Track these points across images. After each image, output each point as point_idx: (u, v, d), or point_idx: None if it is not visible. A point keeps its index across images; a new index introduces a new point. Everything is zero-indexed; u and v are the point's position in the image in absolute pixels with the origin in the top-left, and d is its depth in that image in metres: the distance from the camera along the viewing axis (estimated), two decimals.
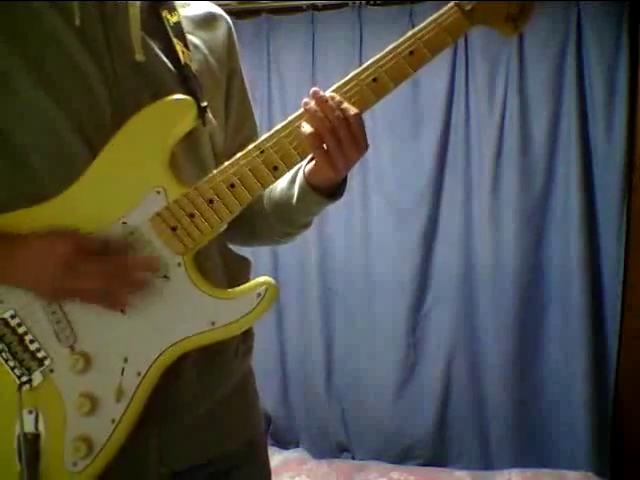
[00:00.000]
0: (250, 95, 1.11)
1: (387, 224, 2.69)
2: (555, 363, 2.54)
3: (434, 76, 2.53)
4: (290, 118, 0.90)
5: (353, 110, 0.87)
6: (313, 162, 0.94)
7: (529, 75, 2.49)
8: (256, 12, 2.74)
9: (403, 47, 0.88)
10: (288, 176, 0.99)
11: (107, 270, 0.83)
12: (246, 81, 1.09)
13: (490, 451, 2.61)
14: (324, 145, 0.88)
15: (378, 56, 0.89)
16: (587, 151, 2.46)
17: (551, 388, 2.55)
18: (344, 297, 2.76)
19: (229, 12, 3.17)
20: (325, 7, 2.68)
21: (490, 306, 2.58)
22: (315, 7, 2.68)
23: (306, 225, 1.06)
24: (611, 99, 2.41)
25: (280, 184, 1.01)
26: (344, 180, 0.97)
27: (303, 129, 0.88)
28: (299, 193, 0.97)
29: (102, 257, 0.84)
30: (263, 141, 0.89)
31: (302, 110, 0.89)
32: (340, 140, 0.87)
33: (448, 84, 2.58)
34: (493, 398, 2.60)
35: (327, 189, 0.96)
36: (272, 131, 0.89)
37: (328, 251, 2.76)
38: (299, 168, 0.98)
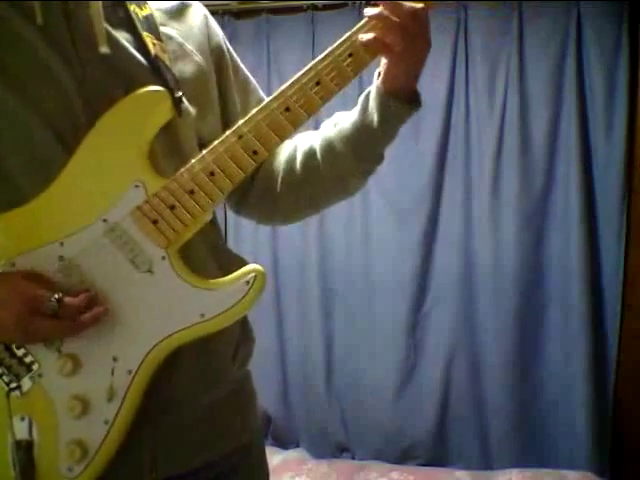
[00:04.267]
0: (249, 74, 1.09)
1: (387, 224, 2.68)
2: (555, 363, 2.54)
3: (434, 76, 2.53)
4: (266, 101, 0.88)
5: (418, 5, 0.86)
6: (382, 76, 0.92)
7: (529, 75, 2.49)
8: (256, 12, 2.74)
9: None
10: (354, 111, 0.96)
11: (57, 326, 0.81)
12: (238, 60, 1.07)
13: (490, 451, 2.61)
14: (393, 47, 0.86)
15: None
16: (587, 151, 2.45)
17: (551, 388, 2.55)
18: (344, 297, 2.76)
19: (229, 12, 3.16)
20: (325, 7, 2.68)
21: (490, 306, 2.58)
22: (315, 7, 2.68)
23: (382, 157, 1.01)
24: (611, 99, 2.41)
25: (346, 121, 0.97)
26: (416, 92, 0.95)
27: (366, 37, 0.86)
28: (380, 113, 0.92)
29: (50, 319, 0.80)
30: (240, 126, 0.87)
31: (276, 93, 0.87)
32: (412, 35, 0.86)
33: (448, 84, 2.58)
34: (493, 398, 2.59)
35: (405, 98, 0.93)
36: (249, 115, 0.87)
37: (328, 251, 2.76)
38: (366, 94, 0.95)
